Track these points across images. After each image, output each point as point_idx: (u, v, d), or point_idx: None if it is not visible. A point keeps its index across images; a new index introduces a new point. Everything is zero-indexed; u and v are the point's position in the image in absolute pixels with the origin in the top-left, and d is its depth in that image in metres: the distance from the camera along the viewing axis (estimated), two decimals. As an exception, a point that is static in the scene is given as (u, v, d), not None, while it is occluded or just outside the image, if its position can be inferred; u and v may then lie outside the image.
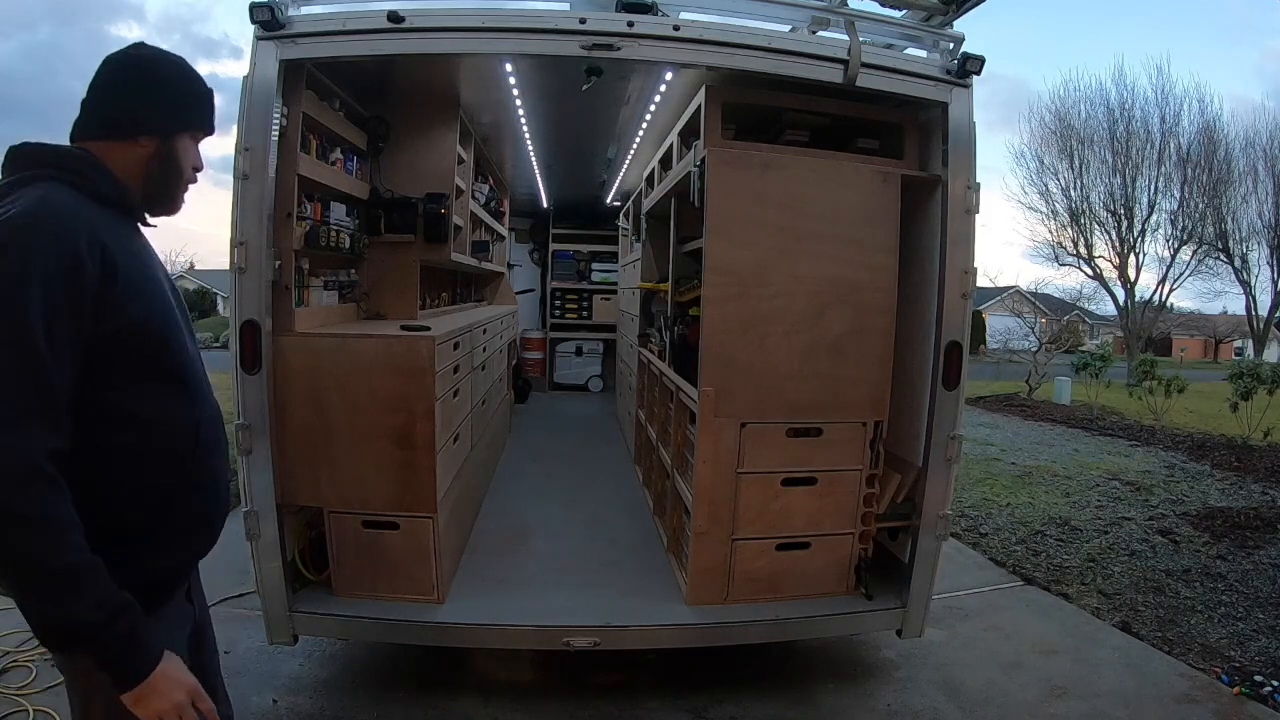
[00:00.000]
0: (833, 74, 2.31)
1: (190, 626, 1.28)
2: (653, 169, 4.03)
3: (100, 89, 1.21)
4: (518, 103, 3.52)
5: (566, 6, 2.34)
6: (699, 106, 2.63)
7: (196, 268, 41.03)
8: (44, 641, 1.03)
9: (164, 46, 1.32)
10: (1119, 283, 18.32)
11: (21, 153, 1.15)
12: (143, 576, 1.12)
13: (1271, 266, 18.62)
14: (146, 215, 1.25)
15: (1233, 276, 18.96)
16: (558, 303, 7.86)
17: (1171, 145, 17.62)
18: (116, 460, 1.12)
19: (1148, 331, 19.11)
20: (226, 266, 2.23)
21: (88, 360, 1.06)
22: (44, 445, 0.99)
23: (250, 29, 2.13)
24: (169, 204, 1.27)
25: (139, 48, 1.25)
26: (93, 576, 1.01)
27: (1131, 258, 18.06)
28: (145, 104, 1.21)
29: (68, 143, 1.20)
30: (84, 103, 1.21)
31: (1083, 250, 18.43)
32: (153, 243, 1.27)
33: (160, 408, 1.16)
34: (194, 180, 1.29)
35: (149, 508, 1.15)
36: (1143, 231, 17.99)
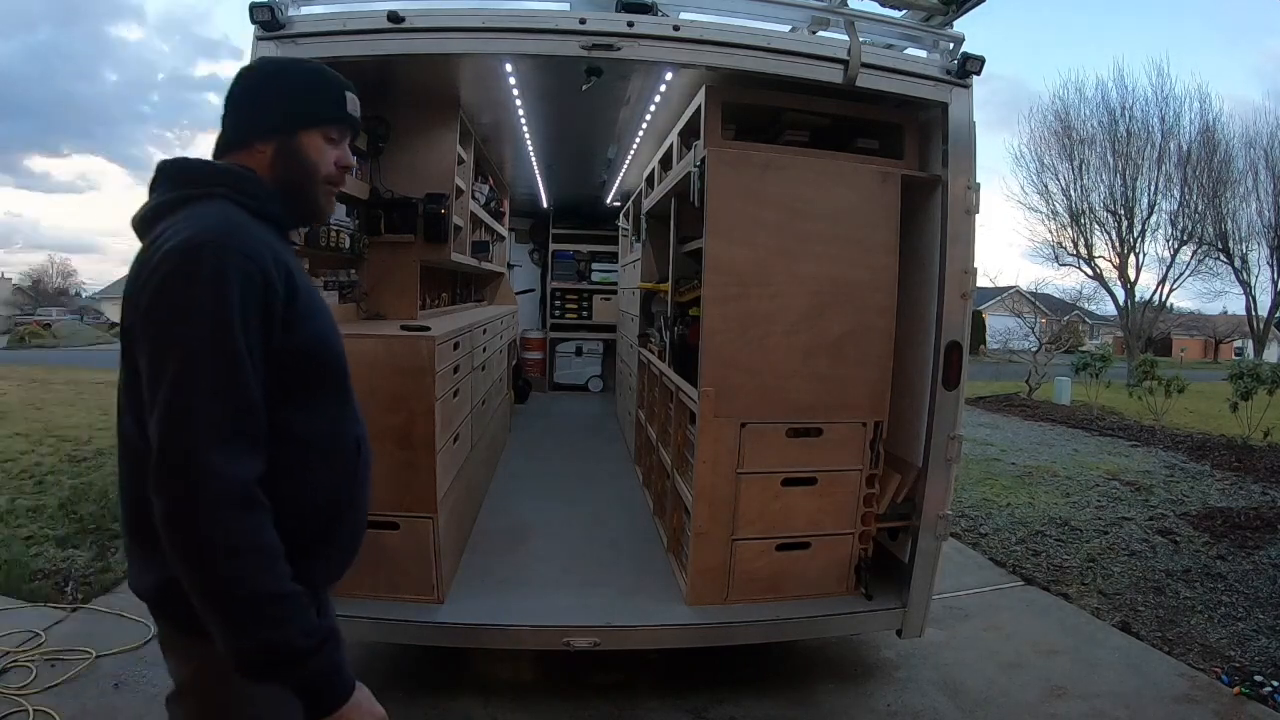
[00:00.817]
0: (833, 74, 2.31)
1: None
2: (653, 169, 4.03)
3: (225, 104, 1.18)
4: (518, 103, 3.52)
5: (566, 6, 2.34)
6: (699, 106, 2.63)
7: (196, 268, 41.11)
8: (244, 671, 0.97)
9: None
10: (1119, 283, 18.30)
11: (183, 168, 1.13)
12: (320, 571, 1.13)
13: (1271, 266, 18.61)
14: (294, 228, 1.22)
15: (1233, 276, 18.96)
16: (558, 303, 7.86)
17: (1171, 145, 17.62)
18: (290, 479, 1.08)
19: (1148, 332, 19.08)
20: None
21: (274, 381, 1.05)
22: (253, 469, 0.98)
23: (250, 29, 2.13)
24: (309, 207, 1.21)
25: (261, 60, 1.24)
26: (300, 603, 0.99)
27: (1131, 258, 18.05)
28: (257, 109, 1.17)
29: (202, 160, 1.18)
30: (221, 120, 1.20)
31: (1083, 250, 18.41)
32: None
33: (330, 423, 1.15)
34: (337, 181, 1.23)
35: (315, 526, 1.13)
36: (1143, 231, 17.97)
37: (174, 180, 1.11)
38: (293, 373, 1.08)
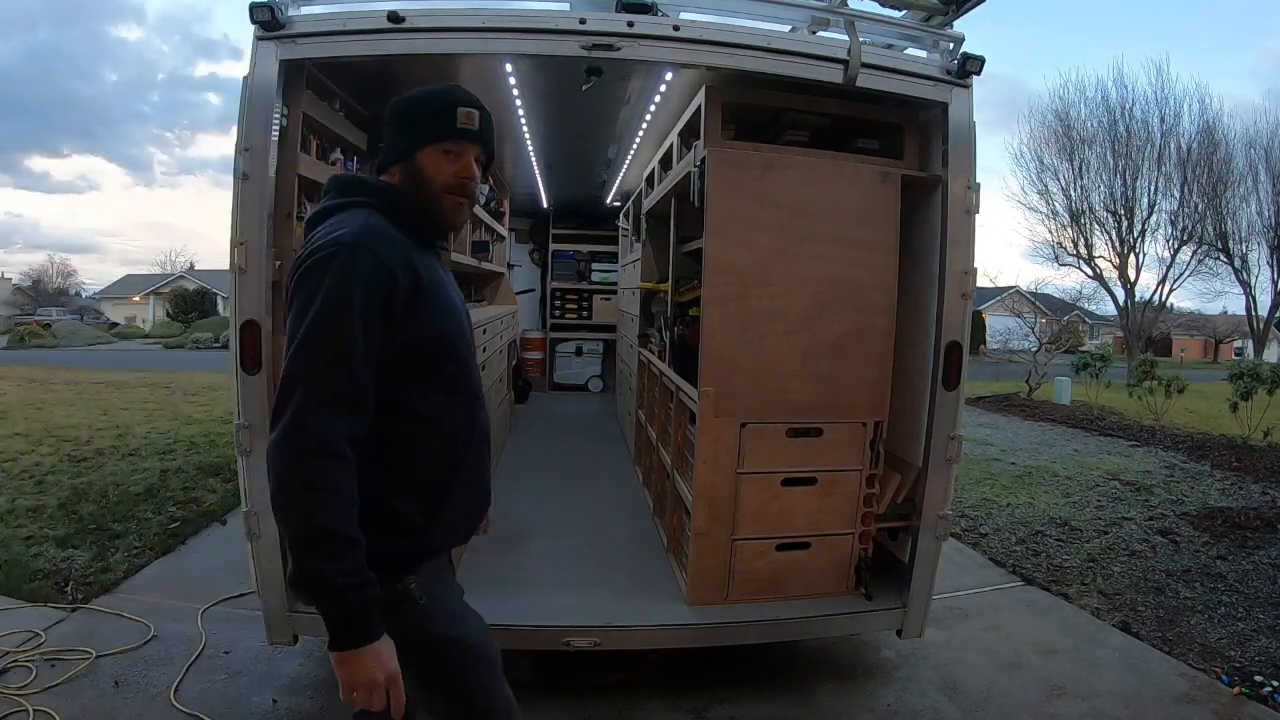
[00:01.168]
0: (833, 74, 2.31)
1: (451, 576, 1.48)
2: (653, 169, 4.03)
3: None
4: (518, 103, 3.52)
5: (566, 6, 2.34)
6: (699, 107, 2.63)
7: (196, 268, 41.21)
8: (292, 586, 1.20)
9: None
10: (1119, 283, 18.32)
11: (346, 181, 1.38)
12: (426, 544, 1.33)
13: (1271, 266, 18.64)
14: (436, 238, 1.41)
15: (1233, 276, 18.98)
16: (558, 303, 7.85)
17: (1171, 145, 17.63)
18: (411, 448, 1.30)
19: (1148, 332, 19.09)
20: (226, 266, 2.23)
21: (398, 365, 1.25)
22: (345, 429, 1.17)
23: (250, 29, 2.13)
24: (434, 216, 1.36)
25: (399, 96, 1.40)
26: (350, 548, 1.16)
27: (1131, 258, 18.06)
28: (389, 138, 1.38)
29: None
30: None
31: (1083, 250, 18.43)
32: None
33: (446, 406, 1.34)
34: (457, 190, 1.35)
35: (433, 491, 1.33)
36: (1143, 231, 18.00)
37: (337, 190, 1.35)
38: (415, 360, 1.28)
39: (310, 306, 1.18)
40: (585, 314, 7.84)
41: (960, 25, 2.45)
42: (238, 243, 2.17)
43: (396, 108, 1.39)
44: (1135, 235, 17.91)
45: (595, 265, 7.73)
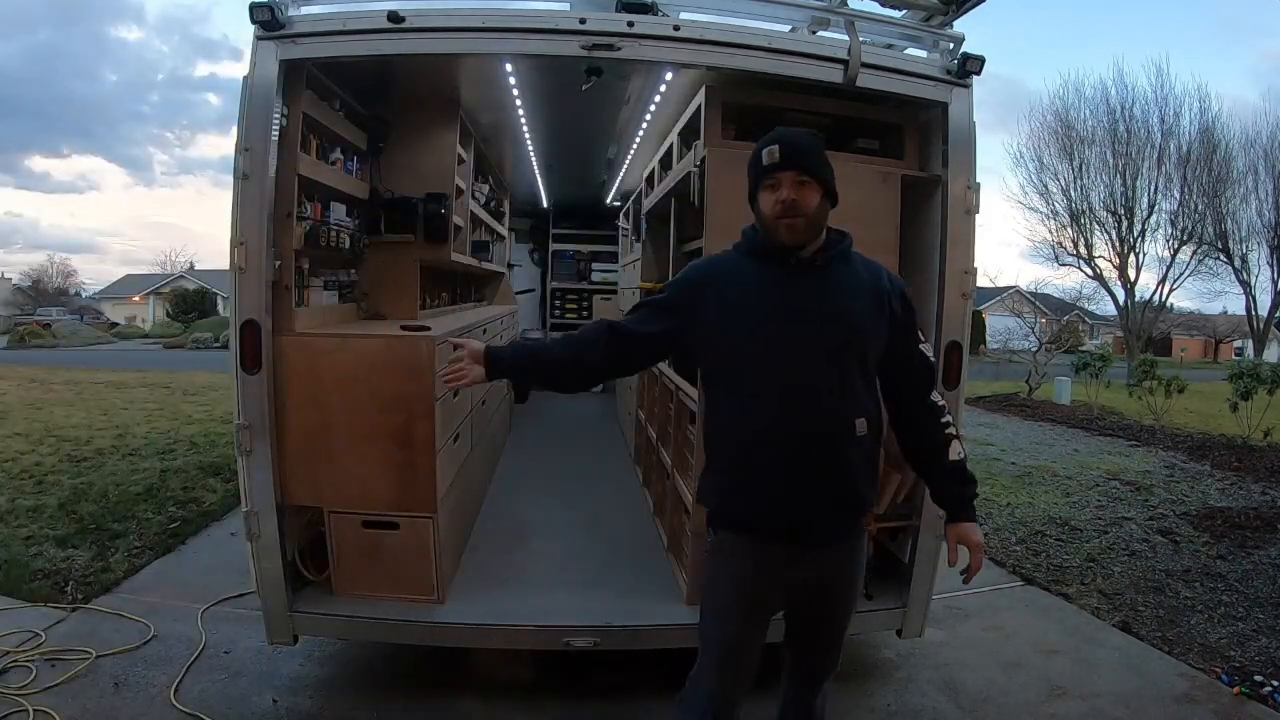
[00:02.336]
0: (833, 74, 2.31)
1: (765, 568, 1.69)
2: (653, 169, 4.03)
3: None
4: (518, 103, 3.52)
5: (566, 6, 2.34)
6: (699, 107, 2.63)
7: (196, 268, 41.23)
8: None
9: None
10: (1119, 283, 18.31)
11: (742, 231, 1.77)
12: (725, 513, 1.69)
13: (1271, 266, 18.64)
14: (788, 254, 1.64)
15: (1233, 276, 18.97)
16: (558, 303, 7.85)
17: (1171, 145, 17.62)
18: (709, 433, 1.75)
19: (1148, 331, 19.09)
20: (226, 266, 2.23)
21: (708, 370, 1.74)
22: (610, 332, 1.70)
23: (250, 29, 2.13)
24: (772, 241, 1.65)
25: None
26: (529, 347, 2.02)
27: (1131, 258, 18.04)
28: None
29: None
30: None
31: (1083, 250, 18.41)
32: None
33: (730, 404, 1.65)
34: (783, 215, 1.60)
35: (719, 469, 1.68)
36: (1143, 231, 17.98)
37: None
38: (713, 365, 1.70)
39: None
40: (585, 314, 7.84)
41: (960, 25, 2.45)
42: (238, 242, 2.18)
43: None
44: (1135, 235, 17.91)
45: (595, 265, 7.73)
